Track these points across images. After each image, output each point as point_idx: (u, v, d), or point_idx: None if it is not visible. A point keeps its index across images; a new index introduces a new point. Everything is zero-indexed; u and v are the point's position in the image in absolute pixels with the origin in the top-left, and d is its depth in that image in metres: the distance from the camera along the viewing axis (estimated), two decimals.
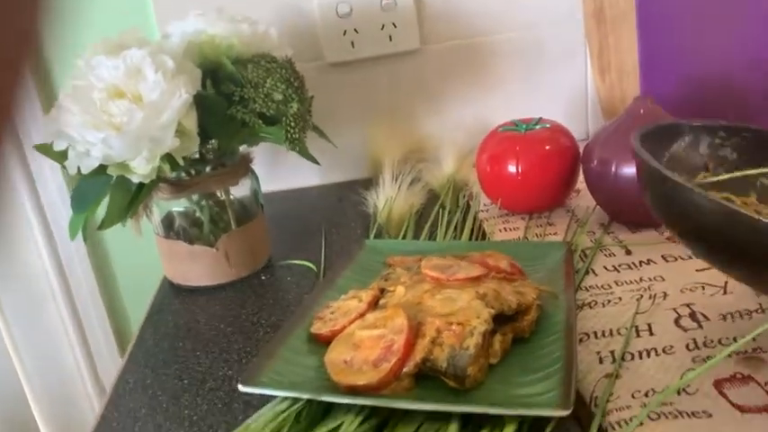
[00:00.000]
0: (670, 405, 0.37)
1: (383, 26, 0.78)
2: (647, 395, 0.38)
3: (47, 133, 0.52)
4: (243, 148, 0.63)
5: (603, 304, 0.48)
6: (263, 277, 0.62)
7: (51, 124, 0.52)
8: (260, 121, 0.56)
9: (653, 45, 0.71)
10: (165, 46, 0.55)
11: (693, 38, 0.68)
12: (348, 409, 0.38)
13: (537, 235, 0.61)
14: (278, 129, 0.56)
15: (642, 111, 0.58)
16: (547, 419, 0.35)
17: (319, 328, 0.44)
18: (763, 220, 0.31)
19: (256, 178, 0.63)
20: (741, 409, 0.36)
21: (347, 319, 0.43)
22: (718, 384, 0.38)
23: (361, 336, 0.40)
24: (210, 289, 0.61)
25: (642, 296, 0.48)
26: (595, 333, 0.44)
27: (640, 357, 0.41)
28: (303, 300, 0.56)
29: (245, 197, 0.62)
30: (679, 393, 0.37)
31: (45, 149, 0.54)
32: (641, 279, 0.50)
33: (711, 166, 0.47)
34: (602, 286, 0.50)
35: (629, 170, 0.55)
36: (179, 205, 0.61)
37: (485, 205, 0.69)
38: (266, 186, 0.78)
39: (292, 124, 0.56)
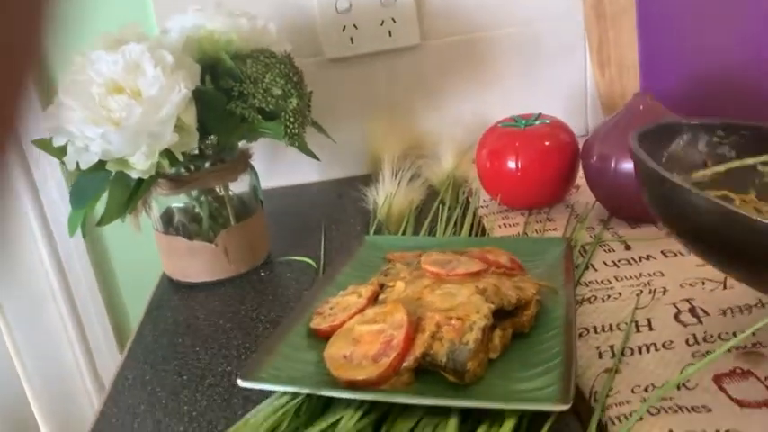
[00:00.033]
0: (670, 400, 0.37)
1: (383, 22, 0.77)
2: (646, 390, 0.38)
3: (45, 129, 0.52)
4: (242, 144, 0.63)
5: (603, 299, 0.48)
6: (263, 273, 0.62)
7: (50, 120, 0.52)
8: (259, 117, 0.56)
9: (653, 41, 0.71)
10: (163, 41, 0.55)
11: (693, 35, 0.68)
12: (347, 403, 0.38)
13: (536, 231, 0.61)
14: (277, 124, 0.56)
15: (642, 107, 0.57)
16: (546, 414, 0.35)
17: (319, 323, 0.44)
18: (762, 220, 0.31)
19: (255, 174, 0.63)
20: (741, 403, 0.36)
21: (347, 314, 0.43)
22: (717, 379, 0.38)
23: (361, 331, 0.40)
24: (210, 285, 0.61)
25: (642, 291, 0.48)
26: (595, 328, 0.44)
27: (640, 352, 0.41)
28: (303, 296, 0.56)
29: (245, 193, 0.62)
30: (679, 388, 0.37)
31: (44, 145, 0.54)
32: (641, 274, 0.50)
33: (710, 164, 0.47)
34: (601, 281, 0.50)
35: (629, 166, 0.55)
36: (178, 201, 0.61)
37: (484, 201, 0.69)
38: (266, 183, 0.78)
39: (291, 119, 0.55)
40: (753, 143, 0.47)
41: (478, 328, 0.38)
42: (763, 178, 0.46)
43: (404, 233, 0.64)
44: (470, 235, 0.62)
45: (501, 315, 0.41)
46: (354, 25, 0.77)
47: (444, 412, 0.36)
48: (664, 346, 0.41)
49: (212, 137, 0.59)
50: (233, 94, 0.55)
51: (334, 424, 0.37)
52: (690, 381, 0.38)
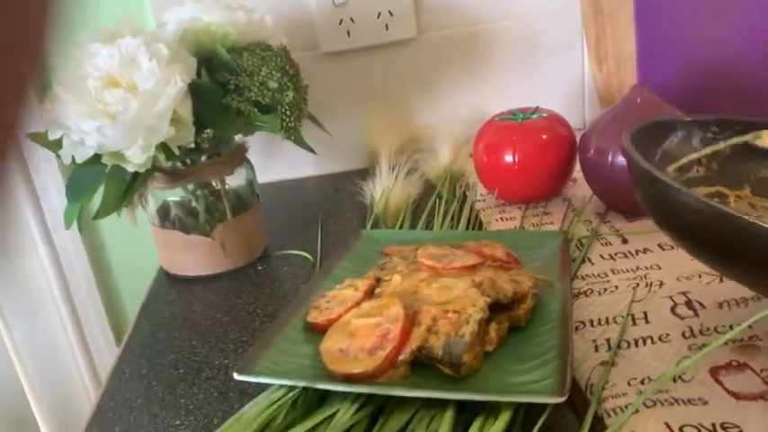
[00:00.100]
0: (666, 392, 0.37)
1: (379, 15, 0.77)
2: (642, 383, 0.38)
3: (41, 122, 0.52)
4: (238, 138, 0.63)
5: (600, 293, 0.48)
6: (260, 267, 0.62)
7: (46, 113, 0.52)
8: (255, 110, 0.55)
9: (650, 34, 0.71)
10: (159, 34, 0.55)
11: (691, 27, 0.68)
12: (344, 396, 0.38)
13: (533, 224, 0.61)
14: (273, 117, 0.56)
15: (639, 100, 0.57)
16: (542, 406, 0.35)
17: (315, 317, 0.44)
18: (752, 220, 0.31)
19: (252, 168, 0.63)
20: (737, 396, 0.36)
21: (343, 307, 0.43)
22: (713, 372, 0.38)
23: (357, 324, 0.40)
24: (206, 279, 0.61)
25: (638, 284, 0.48)
26: (591, 321, 0.44)
27: (636, 345, 0.41)
28: (299, 289, 0.56)
29: (241, 187, 0.62)
30: (675, 381, 0.37)
31: (39, 138, 0.53)
32: (637, 267, 0.50)
33: (705, 160, 0.47)
34: (598, 275, 0.50)
35: None
36: (174, 195, 0.61)
37: (481, 195, 0.69)
38: (262, 177, 0.78)
39: (288, 113, 0.55)
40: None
41: (474, 322, 0.38)
42: (758, 174, 0.46)
43: (401, 227, 0.64)
44: (467, 229, 0.62)
45: (497, 308, 0.41)
46: (351, 18, 0.77)
47: (440, 405, 0.36)
48: (660, 339, 0.42)
49: (208, 130, 0.59)
50: (229, 88, 0.55)
51: (331, 417, 0.37)
52: (686, 373, 0.38)
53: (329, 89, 0.80)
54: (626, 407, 0.36)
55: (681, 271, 0.48)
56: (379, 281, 0.46)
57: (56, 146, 0.52)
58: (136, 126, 0.49)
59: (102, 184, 0.55)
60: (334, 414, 0.37)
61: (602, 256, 0.53)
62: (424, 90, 0.82)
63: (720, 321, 0.42)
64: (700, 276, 0.47)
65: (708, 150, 0.42)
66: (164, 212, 0.61)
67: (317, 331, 0.43)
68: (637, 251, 0.53)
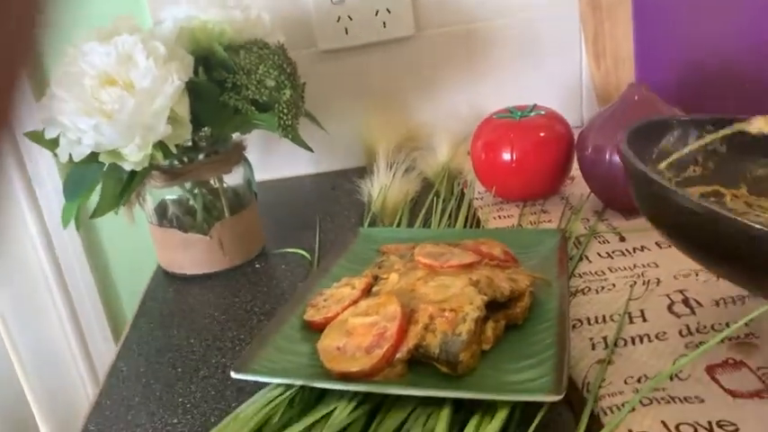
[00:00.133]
0: (662, 391, 0.37)
1: (377, 12, 0.77)
2: (639, 381, 0.38)
3: (38, 120, 0.52)
4: (236, 136, 0.63)
5: (597, 291, 0.48)
6: (257, 265, 0.62)
7: (42, 111, 0.52)
8: (253, 108, 0.55)
9: (648, 32, 0.71)
10: (156, 32, 0.55)
11: (689, 25, 0.68)
12: (341, 395, 0.38)
13: (531, 222, 0.61)
14: (270, 116, 0.56)
15: (637, 97, 0.57)
16: (539, 405, 0.35)
17: (312, 315, 0.44)
18: (746, 221, 0.31)
19: (250, 166, 0.63)
20: (733, 394, 0.36)
21: (340, 306, 0.43)
22: (710, 370, 0.38)
23: (354, 323, 0.40)
24: (204, 277, 0.61)
25: (636, 282, 0.48)
26: (588, 319, 0.44)
27: (633, 343, 0.41)
28: (297, 288, 0.56)
29: (239, 185, 0.62)
30: (671, 379, 0.38)
31: (36, 137, 0.53)
32: (635, 265, 0.50)
33: (701, 159, 0.47)
34: (595, 273, 0.50)
35: None
36: (172, 193, 0.61)
37: (479, 193, 0.69)
38: (260, 175, 0.78)
39: (285, 111, 0.55)
40: (743, 136, 0.47)
41: (471, 320, 0.38)
42: (755, 172, 0.46)
43: (398, 225, 0.64)
44: (465, 227, 0.62)
45: (494, 307, 0.41)
46: (349, 16, 0.77)
47: (437, 403, 0.36)
48: (657, 337, 0.42)
49: (206, 128, 0.58)
50: (226, 86, 0.55)
51: (328, 415, 0.37)
52: (682, 371, 0.38)
53: (327, 87, 0.80)
54: (622, 405, 0.36)
55: (678, 269, 0.48)
56: (376, 279, 0.46)
57: (53, 144, 0.52)
58: (133, 124, 0.49)
59: (100, 183, 0.55)
60: (332, 412, 0.37)
61: (599, 254, 0.53)
62: (422, 88, 0.82)
63: (717, 319, 0.42)
64: (697, 274, 0.48)
65: (697, 145, 0.41)
66: (161, 211, 0.61)
67: (314, 329, 0.43)
68: (634, 249, 0.53)
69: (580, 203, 0.63)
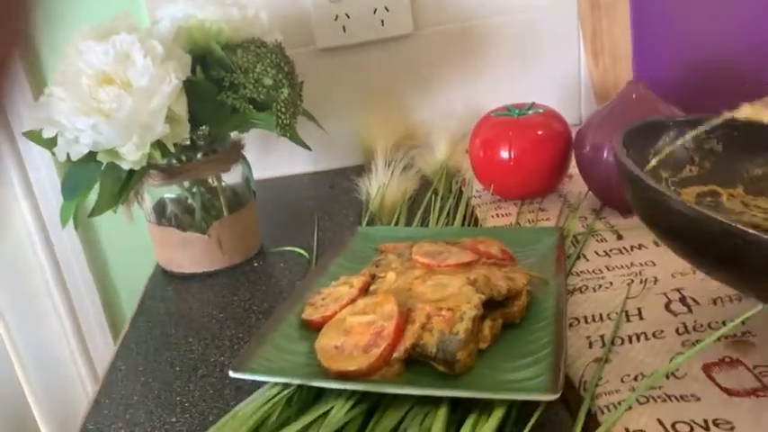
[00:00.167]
0: (659, 389, 0.37)
1: (375, 10, 0.77)
2: (636, 379, 0.38)
3: (36, 120, 0.52)
4: (234, 135, 0.63)
5: (594, 289, 0.48)
6: (256, 264, 0.62)
7: (40, 111, 0.52)
8: (250, 107, 0.55)
9: (646, 30, 0.71)
10: (154, 31, 0.55)
11: (687, 22, 0.68)
12: (338, 394, 0.38)
13: (529, 220, 0.61)
14: (268, 114, 0.56)
15: (635, 95, 0.57)
16: (535, 404, 0.36)
17: (310, 314, 0.44)
18: (740, 227, 0.31)
19: (248, 165, 0.63)
20: (729, 392, 0.36)
21: (338, 304, 0.43)
22: (706, 368, 0.38)
23: (352, 322, 0.40)
24: (203, 276, 0.61)
25: (633, 281, 0.48)
26: (585, 318, 0.44)
27: (630, 342, 0.41)
28: (295, 286, 0.56)
29: (237, 184, 0.62)
30: (668, 377, 0.38)
31: (34, 136, 0.53)
32: (632, 264, 0.50)
33: (698, 159, 0.47)
34: (593, 271, 0.50)
35: None
36: (171, 192, 0.61)
37: (477, 191, 0.69)
38: (258, 173, 0.78)
39: (283, 110, 0.55)
40: (740, 135, 0.47)
41: (468, 319, 0.38)
42: (751, 172, 0.46)
43: (397, 223, 0.64)
44: (463, 225, 0.62)
45: (491, 306, 0.41)
46: (347, 14, 0.77)
47: (434, 402, 0.36)
48: (654, 335, 0.42)
49: (204, 127, 0.58)
50: (224, 85, 0.55)
51: (326, 414, 0.37)
52: (679, 370, 0.38)
53: (325, 85, 0.80)
54: (619, 404, 0.36)
55: (675, 267, 0.49)
56: (374, 278, 0.46)
57: (51, 144, 0.52)
58: (130, 123, 0.49)
59: (98, 182, 0.55)
60: (329, 411, 0.37)
61: (596, 253, 0.53)
62: (420, 86, 0.82)
63: (714, 318, 0.42)
64: (694, 273, 0.48)
65: (689, 137, 0.41)
66: (160, 209, 0.61)
67: (312, 328, 0.43)
68: (632, 247, 0.53)
69: (578, 202, 0.63)
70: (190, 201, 0.61)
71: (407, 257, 0.47)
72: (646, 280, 0.48)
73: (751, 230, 0.30)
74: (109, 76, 0.51)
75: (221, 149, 0.60)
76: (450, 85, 0.82)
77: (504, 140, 0.63)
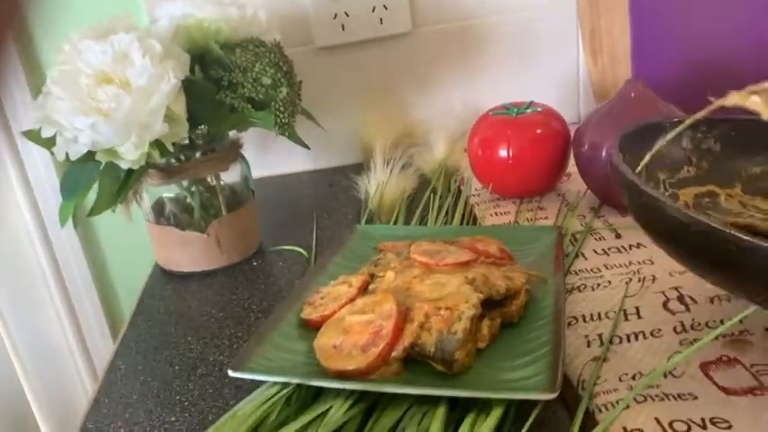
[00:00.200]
0: (656, 388, 0.37)
1: (374, 9, 0.77)
2: (634, 378, 0.38)
3: (34, 119, 0.52)
4: (232, 134, 0.63)
5: (593, 288, 0.48)
6: (255, 263, 0.62)
7: (39, 110, 0.52)
8: (249, 106, 0.55)
9: (645, 28, 0.71)
10: (152, 30, 0.55)
11: (686, 21, 0.68)
12: (337, 393, 0.38)
13: (528, 219, 0.61)
14: (267, 114, 0.56)
15: (633, 94, 0.57)
16: (534, 403, 0.36)
17: (309, 313, 0.44)
18: (735, 233, 0.31)
19: (246, 164, 0.63)
20: (727, 391, 0.36)
21: (337, 304, 0.43)
22: (704, 367, 0.38)
23: (351, 321, 0.40)
24: (202, 275, 0.61)
25: (631, 279, 0.48)
26: (584, 317, 0.45)
27: (628, 341, 0.41)
28: (294, 285, 0.56)
29: (236, 183, 0.62)
30: (666, 376, 0.38)
31: (33, 136, 0.53)
32: (630, 263, 0.51)
33: (695, 159, 0.47)
34: (591, 270, 0.51)
35: None
36: (169, 191, 0.61)
37: (476, 190, 0.69)
38: (257, 172, 0.78)
39: (281, 109, 0.55)
40: (738, 134, 0.47)
41: (467, 318, 0.38)
42: (749, 170, 0.46)
43: (395, 222, 0.64)
44: (462, 224, 0.62)
45: (490, 305, 0.41)
46: (345, 12, 0.77)
47: (433, 401, 0.36)
48: (652, 334, 0.42)
49: (202, 126, 0.59)
50: (222, 84, 0.55)
51: (324, 413, 0.37)
52: (676, 369, 0.38)
53: (324, 83, 0.80)
54: (617, 402, 0.36)
55: (673, 266, 0.49)
56: (372, 277, 0.46)
57: (49, 143, 0.52)
58: (129, 123, 0.49)
59: (97, 181, 0.55)
60: (328, 410, 0.37)
61: (595, 251, 0.53)
62: (418, 84, 0.82)
63: (712, 316, 0.43)
64: None
65: (673, 134, 0.41)
66: (159, 209, 0.61)
67: (311, 327, 0.43)
68: (630, 246, 0.53)
69: (576, 200, 0.63)
70: (188, 200, 0.61)
71: (406, 256, 0.48)
72: (644, 278, 0.48)
73: (745, 236, 0.30)
74: (107, 76, 0.51)
75: (220, 149, 0.61)
76: (448, 84, 0.82)
77: (502, 139, 0.63)
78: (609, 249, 0.53)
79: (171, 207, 0.61)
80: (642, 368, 0.39)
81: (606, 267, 0.51)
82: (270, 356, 0.41)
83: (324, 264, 0.53)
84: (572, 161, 0.62)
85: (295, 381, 0.38)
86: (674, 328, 0.42)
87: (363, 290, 0.45)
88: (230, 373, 0.39)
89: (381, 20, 0.78)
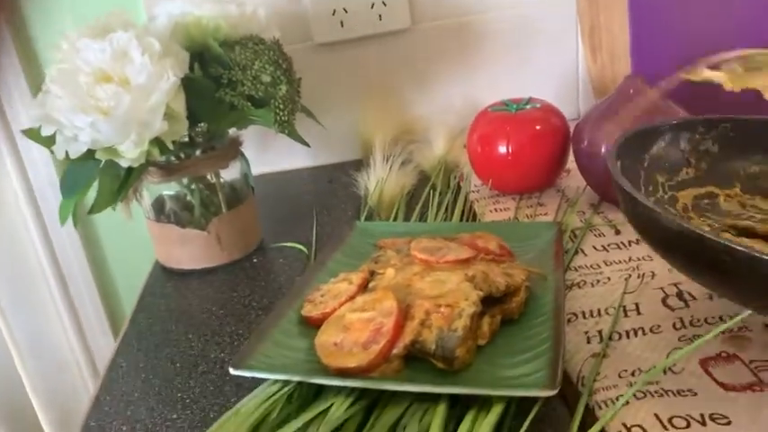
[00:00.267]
0: (656, 384, 0.37)
1: (373, 5, 0.77)
2: (633, 374, 0.38)
3: (34, 118, 0.52)
4: (232, 131, 0.63)
5: (592, 284, 0.48)
6: (255, 260, 0.62)
7: (38, 109, 0.52)
8: (249, 104, 0.55)
9: (644, 24, 0.71)
10: (151, 28, 0.55)
11: (686, 19, 0.68)
12: (338, 390, 0.38)
13: (527, 215, 0.61)
14: (267, 111, 0.56)
15: (632, 90, 0.58)
16: (534, 399, 0.36)
17: (310, 310, 0.45)
18: (731, 245, 0.31)
19: (246, 161, 0.63)
20: (726, 387, 0.36)
21: (337, 301, 0.44)
22: (703, 363, 0.38)
23: (351, 318, 0.40)
24: (202, 272, 0.61)
25: (630, 276, 0.48)
26: (584, 313, 0.45)
27: (628, 337, 0.42)
28: (294, 282, 0.56)
29: (236, 180, 0.62)
30: (665, 372, 0.38)
31: (33, 134, 0.53)
32: (630, 259, 0.51)
33: (693, 161, 0.47)
34: (591, 266, 0.51)
35: None
36: (169, 189, 0.61)
37: (475, 186, 0.69)
38: (256, 169, 0.78)
39: (281, 107, 0.55)
40: (736, 135, 0.47)
41: (467, 315, 0.38)
42: (748, 169, 0.46)
43: (395, 219, 0.64)
44: (461, 220, 0.62)
45: (490, 302, 0.41)
46: (344, 9, 0.77)
47: (433, 398, 0.37)
48: (651, 330, 0.42)
49: (202, 124, 0.59)
50: (222, 82, 0.55)
51: (326, 411, 0.37)
52: (676, 365, 0.38)
53: (323, 80, 0.80)
54: (616, 399, 0.36)
55: None
56: (372, 274, 0.46)
57: (49, 142, 0.52)
58: (129, 121, 0.49)
59: (97, 180, 0.55)
60: (329, 408, 0.37)
61: (594, 248, 0.53)
62: (418, 81, 0.82)
63: (710, 312, 0.43)
64: None
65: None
66: (159, 206, 0.61)
67: (311, 325, 0.44)
68: (629, 242, 0.53)
69: (576, 196, 0.63)
70: (189, 197, 0.61)
71: (406, 253, 0.48)
72: (643, 275, 0.48)
73: (739, 247, 0.31)
74: (107, 74, 0.51)
75: (219, 146, 0.61)
76: (448, 80, 0.82)
77: (502, 135, 0.63)
78: (608, 245, 0.53)
79: (171, 205, 0.61)
80: (642, 364, 0.39)
81: (606, 264, 0.51)
82: (271, 354, 0.41)
83: (324, 261, 0.53)
84: (571, 157, 0.62)
85: (296, 378, 0.38)
86: (674, 325, 0.42)
87: (364, 287, 0.45)
88: (232, 371, 0.39)
89: (380, 16, 0.78)
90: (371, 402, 0.38)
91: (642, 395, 0.36)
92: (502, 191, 0.67)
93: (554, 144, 0.63)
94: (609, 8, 0.76)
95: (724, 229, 0.43)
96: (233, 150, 0.61)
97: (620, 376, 0.38)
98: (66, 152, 0.51)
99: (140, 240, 0.67)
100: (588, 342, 0.42)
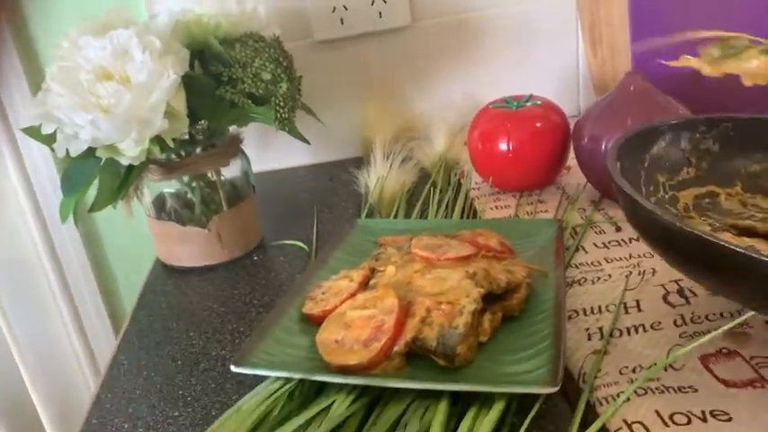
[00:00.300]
0: (657, 380, 0.37)
1: (373, 2, 0.77)
2: (634, 371, 0.38)
3: (34, 116, 0.52)
4: (233, 129, 0.63)
5: (593, 281, 0.48)
6: (256, 258, 0.62)
7: (39, 106, 0.52)
8: (249, 102, 0.55)
9: (644, 21, 0.71)
10: (151, 26, 0.55)
11: (686, 16, 0.68)
12: (340, 387, 0.38)
13: (528, 212, 0.62)
14: (267, 109, 0.56)
15: (632, 87, 0.57)
16: (535, 396, 0.36)
17: (311, 308, 0.45)
18: (731, 246, 0.31)
19: (247, 159, 0.63)
20: (726, 383, 0.36)
21: (338, 299, 0.44)
22: (704, 359, 0.38)
23: (352, 316, 0.41)
24: (203, 270, 0.61)
25: (631, 273, 0.48)
26: (584, 310, 0.45)
27: (628, 334, 0.42)
28: (295, 280, 0.56)
29: (236, 178, 0.62)
30: (666, 369, 0.38)
31: (33, 132, 0.53)
32: (630, 256, 0.51)
33: (694, 160, 0.47)
34: (591, 263, 0.51)
35: None
36: (170, 187, 0.61)
37: (476, 183, 0.69)
38: (257, 167, 0.78)
39: (281, 104, 0.55)
40: (737, 134, 0.47)
41: (468, 313, 0.38)
42: (749, 168, 0.46)
43: (396, 216, 0.64)
44: (462, 217, 0.62)
45: (491, 299, 0.41)
46: (344, 6, 0.77)
47: (435, 396, 0.37)
48: (652, 327, 0.42)
49: (202, 122, 0.59)
50: (222, 79, 0.55)
51: (327, 408, 0.37)
52: (676, 361, 0.38)
53: (323, 78, 0.80)
54: (617, 395, 0.36)
55: None
56: (373, 272, 0.47)
57: (49, 140, 0.52)
58: (129, 119, 0.49)
59: (97, 178, 0.55)
60: (331, 405, 0.37)
61: (595, 245, 0.53)
62: (418, 78, 0.82)
63: (711, 309, 0.43)
64: None
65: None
66: (159, 204, 0.61)
67: (312, 322, 0.44)
68: (630, 239, 0.53)
69: (576, 193, 0.63)
70: (189, 195, 0.61)
71: (407, 251, 0.48)
72: (644, 272, 0.48)
73: (738, 248, 0.31)
74: (107, 72, 0.51)
75: (220, 144, 0.61)
76: (448, 77, 0.82)
77: (502, 132, 0.63)
78: (609, 242, 0.53)
79: (172, 202, 0.61)
80: (642, 361, 0.39)
81: (606, 260, 0.51)
82: (272, 351, 0.41)
83: (324, 258, 0.53)
84: (572, 154, 0.62)
85: (297, 376, 0.39)
86: (675, 321, 0.42)
87: (365, 284, 0.45)
88: (233, 368, 0.39)
89: (380, 13, 0.77)
90: (373, 400, 0.38)
91: (643, 392, 0.36)
92: (502, 188, 0.67)
93: (554, 141, 0.63)
94: (609, 3, 0.76)
95: (725, 228, 0.43)
96: (233, 148, 0.61)
97: (620, 373, 0.38)
98: (67, 150, 0.51)
99: (141, 238, 0.67)
100: (589, 339, 0.42)
